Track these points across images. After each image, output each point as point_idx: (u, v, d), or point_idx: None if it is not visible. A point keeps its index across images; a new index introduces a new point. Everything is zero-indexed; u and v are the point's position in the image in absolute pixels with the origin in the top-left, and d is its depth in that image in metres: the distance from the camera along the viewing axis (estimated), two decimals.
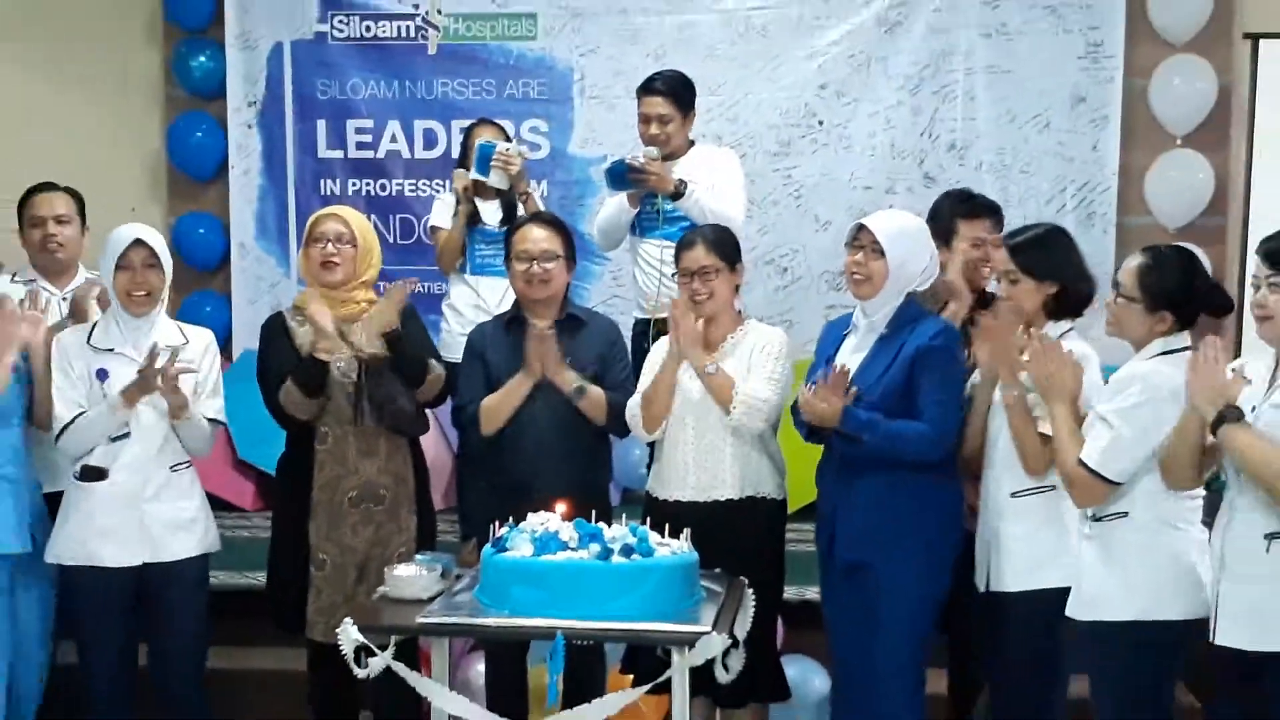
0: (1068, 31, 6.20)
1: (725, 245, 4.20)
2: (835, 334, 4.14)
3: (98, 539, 4.10)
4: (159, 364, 3.96)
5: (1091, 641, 3.51)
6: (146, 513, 4.13)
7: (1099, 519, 3.48)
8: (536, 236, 4.31)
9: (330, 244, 4.20)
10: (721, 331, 4.17)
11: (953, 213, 4.29)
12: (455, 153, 6.41)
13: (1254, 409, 3.24)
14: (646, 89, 5.16)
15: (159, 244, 4.20)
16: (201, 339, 4.31)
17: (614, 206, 5.22)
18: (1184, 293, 3.47)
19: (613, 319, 4.64)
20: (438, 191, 6.42)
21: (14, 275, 4.76)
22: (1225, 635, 3.26)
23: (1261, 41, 5.78)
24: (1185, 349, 3.43)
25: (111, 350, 4.14)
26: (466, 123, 6.36)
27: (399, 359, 4.17)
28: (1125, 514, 3.44)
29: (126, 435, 4.07)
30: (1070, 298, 3.77)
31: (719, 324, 4.17)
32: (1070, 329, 3.76)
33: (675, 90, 5.14)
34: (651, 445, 4.30)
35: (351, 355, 4.13)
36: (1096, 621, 3.47)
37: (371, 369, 4.16)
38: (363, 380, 4.17)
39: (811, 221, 6.18)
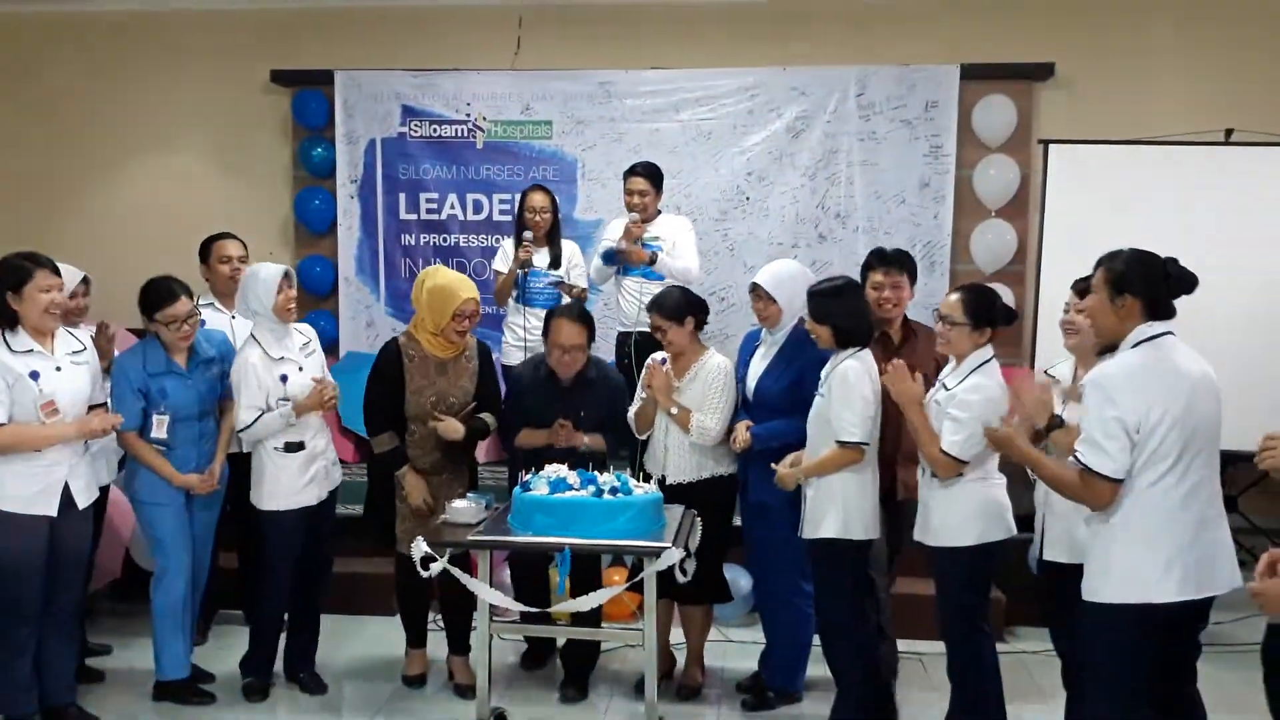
0: (917, 138, 6.21)
1: (673, 309, 4.09)
2: (749, 345, 4.15)
3: (304, 489, 4.08)
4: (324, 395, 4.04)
5: (943, 559, 3.47)
6: (327, 459, 4.17)
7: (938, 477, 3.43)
8: (569, 333, 4.10)
9: (468, 320, 4.07)
10: (687, 361, 4.13)
11: (865, 264, 4.11)
12: (496, 216, 6.47)
13: (1064, 403, 3.25)
14: (631, 172, 5.18)
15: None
16: (311, 332, 4.29)
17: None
18: (993, 312, 3.47)
19: (620, 377, 4.49)
20: (484, 243, 6.47)
21: (197, 299, 4.72)
22: (1050, 552, 3.31)
23: (1051, 145, 5.81)
24: (991, 359, 3.44)
25: (283, 359, 4.06)
26: (505, 195, 6.43)
27: (471, 437, 4.16)
28: (961, 474, 3.40)
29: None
30: (844, 334, 3.65)
31: (685, 357, 4.13)
32: (859, 350, 3.64)
33: (651, 174, 5.17)
34: None
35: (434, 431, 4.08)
36: (944, 547, 3.45)
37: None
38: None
39: (741, 266, 6.16)
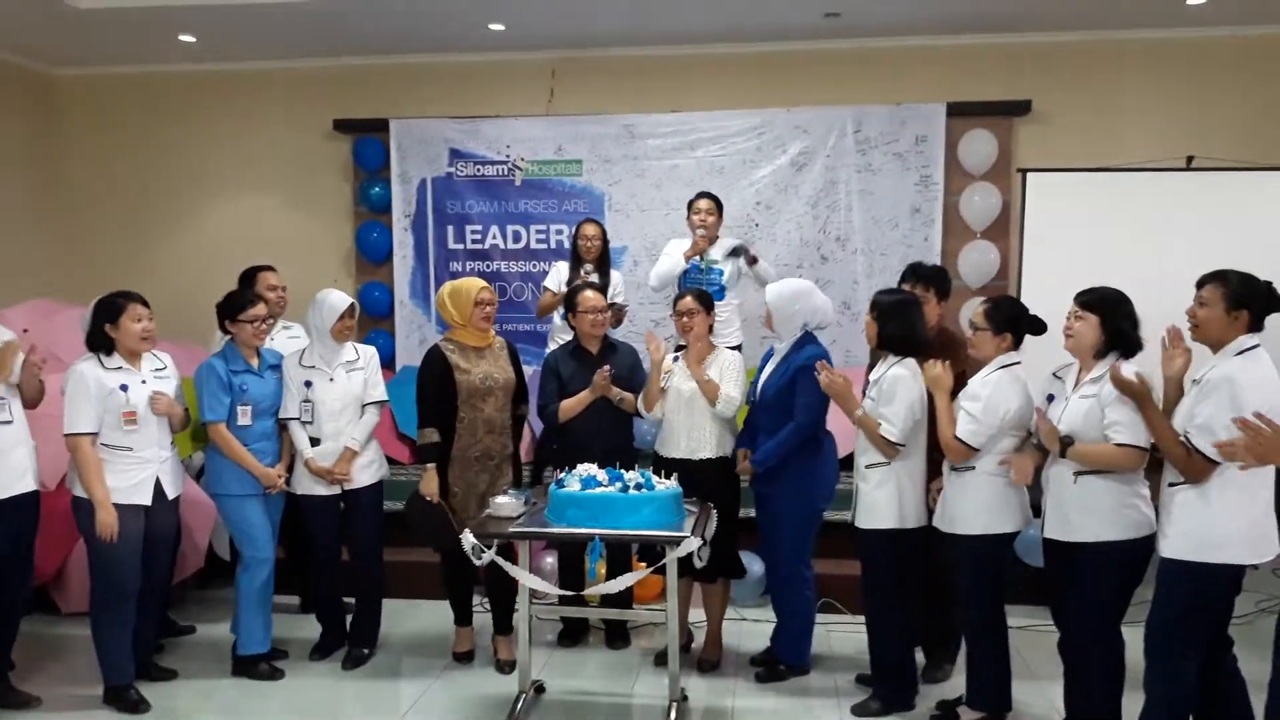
0: (908, 169, 6.22)
1: (703, 298, 4.19)
2: (767, 357, 4.14)
3: (314, 478, 4.17)
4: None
5: (963, 548, 3.45)
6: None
7: (956, 469, 3.46)
8: (595, 298, 4.35)
9: (488, 307, 4.18)
10: (701, 353, 4.16)
11: (901, 276, 4.16)
12: (533, 245, 6.52)
13: (1066, 399, 3.26)
14: (700, 197, 5.20)
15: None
16: (368, 352, 4.33)
17: (670, 262, 5.16)
18: (1015, 320, 3.47)
19: (633, 345, 4.60)
20: (523, 269, 6.53)
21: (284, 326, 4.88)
22: (1049, 530, 3.30)
23: (1029, 174, 5.80)
24: (1016, 363, 3.44)
25: (314, 368, 4.17)
26: (541, 226, 6.48)
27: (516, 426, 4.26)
28: (973, 467, 3.42)
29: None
30: (887, 339, 3.67)
31: (700, 348, 4.16)
32: (900, 359, 3.63)
33: (716, 200, 5.21)
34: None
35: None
36: (963, 534, 3.44)
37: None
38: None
39: (752, 286, 6.13)
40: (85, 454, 3.69)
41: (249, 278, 4.77)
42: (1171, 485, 3.03)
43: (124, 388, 3.76)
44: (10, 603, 3.86)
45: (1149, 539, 3.14)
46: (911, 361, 3.65)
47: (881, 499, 3.62)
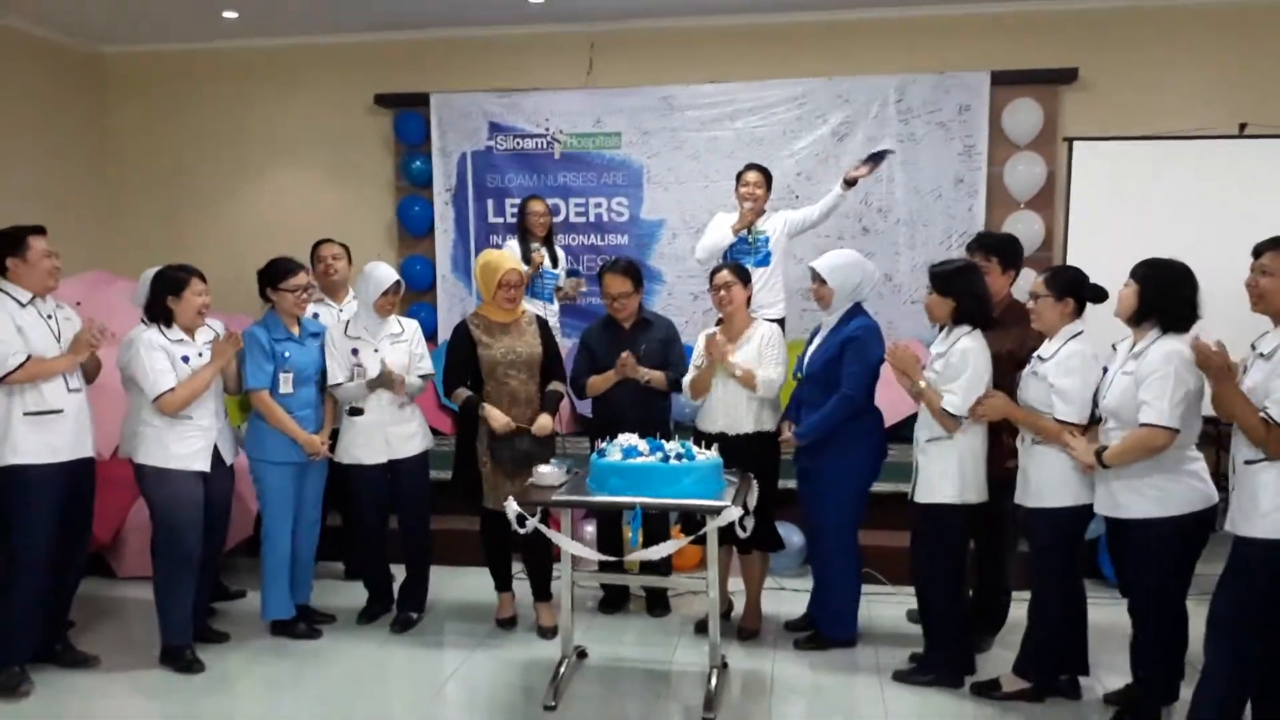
0: (951, 139, 6.12)
1: (739, 270, 4.19)
2: (816, 330, 4.11)
3: (360, 448, 4.24)
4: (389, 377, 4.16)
5: (1048, 520, 3.41)
6: (389, 432, 4.24)
7: (1036, 442, 3.41)
8: (615, 283, 4.28)
9: (513, 289, 4.19)
10: (740, 326, 4.15)
11: (968, 247, 4.11)
12: (573, 218, 6.50)
13: (1113, 375, 3.21)
14: (749, 169, 5.12)
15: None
16: (412, 326, 4.41)
17: (718, 234, 5.07)
18: (1077, 286, 3.41)
19: (670, 318, 4.61)
20: (561, 243, 6.40)
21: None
22: (1099, 507, 3.27)
23: (1074, 143, 5.69)
24: (1082, 331, 3.39)
25: (359, 339, 4.24)
26: (580, 199, 6.48)
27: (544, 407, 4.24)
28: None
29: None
30: (965, 312, 3.59)
31: (739, 320, 4.15)
32: (971, 330, 3.56)
33: (766, 172, 5.15)
34: None
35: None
36: (1050, 508, 3.39)
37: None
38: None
39: (792, 259, 6.03)
40: (180, 396, 3.80)
41: (313, 250, 4.99)
42: (1248, 463, 2.89)
43: (185, 359, 3.88)
44: (72, 563, 3.97)
45: (1205, 512, 3.09)
46: (980, 333, 3.58)
47: (941, 473, 3.58)
